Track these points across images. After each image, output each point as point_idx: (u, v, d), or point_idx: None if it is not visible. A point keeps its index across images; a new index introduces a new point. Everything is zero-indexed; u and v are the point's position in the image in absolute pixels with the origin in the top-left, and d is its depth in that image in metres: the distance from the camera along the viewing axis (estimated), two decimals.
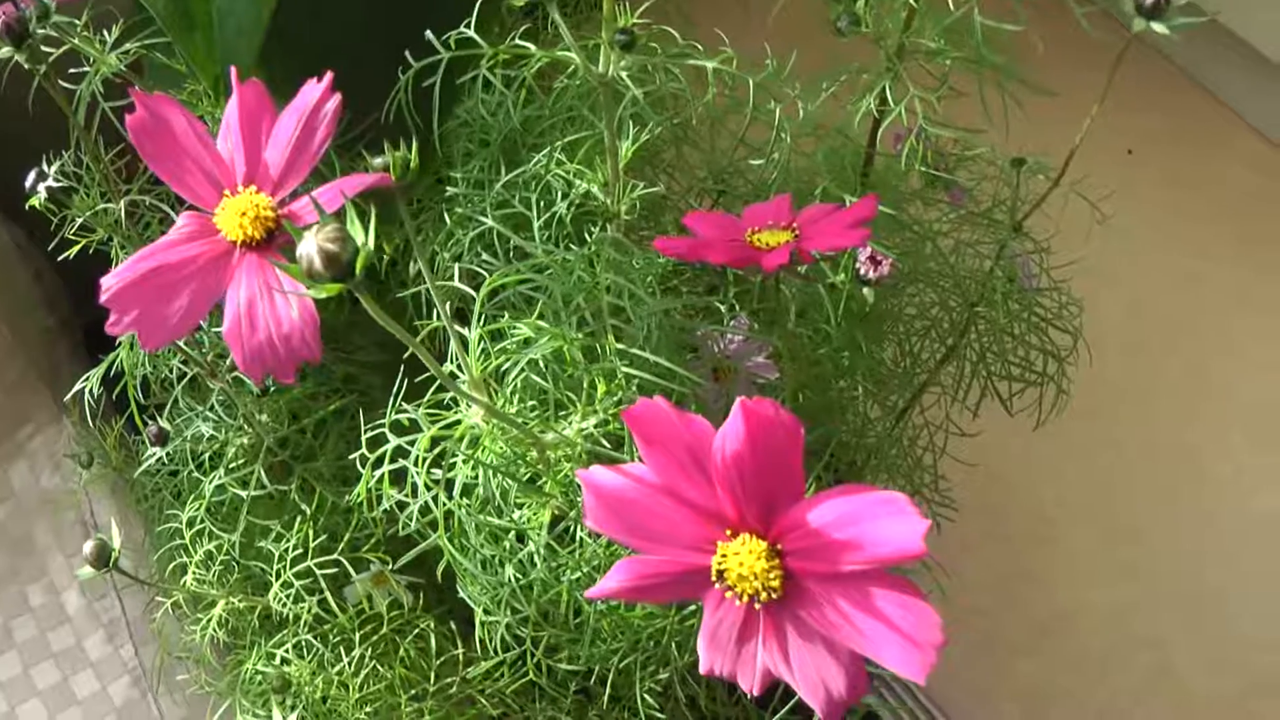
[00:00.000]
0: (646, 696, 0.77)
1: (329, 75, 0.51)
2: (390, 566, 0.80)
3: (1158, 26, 0.63)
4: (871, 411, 0.87)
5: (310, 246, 0.41)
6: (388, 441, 0.63)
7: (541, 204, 0.74)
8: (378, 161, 0.52)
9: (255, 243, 0.50)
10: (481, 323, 0.60)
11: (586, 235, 0.74)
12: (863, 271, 0.71)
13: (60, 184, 0.69)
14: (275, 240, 0.50)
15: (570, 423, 0.61)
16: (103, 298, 0.48)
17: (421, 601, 0.83)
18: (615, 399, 0.60)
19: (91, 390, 0.81)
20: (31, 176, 0.71)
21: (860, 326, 0.79)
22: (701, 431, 0.47)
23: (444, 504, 0.61)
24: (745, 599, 0.48)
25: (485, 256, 0.76)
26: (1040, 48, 0.71)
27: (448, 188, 0.78)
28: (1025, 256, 0.82)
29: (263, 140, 0.52)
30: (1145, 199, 1.57)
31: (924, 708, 1.20)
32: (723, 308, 0.75)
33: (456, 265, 0.68)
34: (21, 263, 1.28)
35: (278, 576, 0.80)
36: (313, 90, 0.52)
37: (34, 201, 0.71)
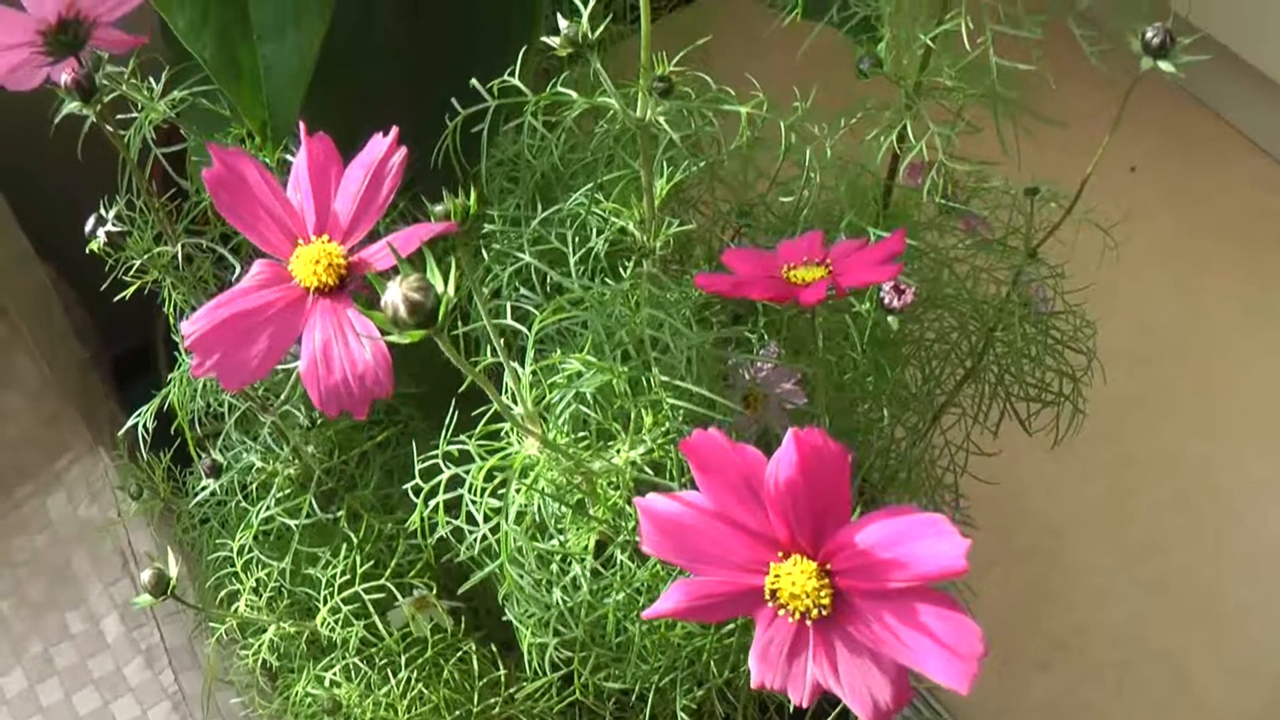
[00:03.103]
0: (683, 715, 0.80)
1: (394, 130, 0.55)
2: (434, 591, 0.83)
3: (1165, 65, 0.66)
4: (895, 432, 0.90)
5: (395, 295, 0.44)
6: (442, 472, 0.66)
7: (577, 240, 0.78)
8: (439, 209, 0.56)
9: (328, 289, 0.53)
10: (532, 358, 0.63)
11: (620, 269, 0.77)
12: (887, 300, 0.74)
13: (119, 229, 0.72)
14: (346, 285, 0.53)
15: (618, 451, 0.64)
16: (186, 342, 0.51)
17: (463, 625, 0.86)
18: (662, 430, 0.63)
19: (144, 424, 0.84)
20: (91, 222, 0.74)
21: (884, 352, 0.82)
22: (754, 460, 0.50)
23: (501, 532, 0.64)
24: (796, 616, 0.51)
25: (523, 291, 0.79)
26: (1053, 84, 0.74)
27: (485, 224, 0.81)
28: (1040, 282, 0.85)
29: (332, 191, 0.55)
30: (1150, 216, 1.60)
31: None
32: (753, 337, 0.78)
33: (506, 304, 0.70)
34: (56, 296, 1.31)
35: (325, 602, 0.83)
36: (379, 144, 0.55)
37: (93, 245, 0.74)
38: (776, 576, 0.51)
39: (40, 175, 1.14)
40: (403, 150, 0.54)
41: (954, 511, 0.98)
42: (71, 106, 0.66)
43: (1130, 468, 1.43)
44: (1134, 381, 1.43)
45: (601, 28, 0.64)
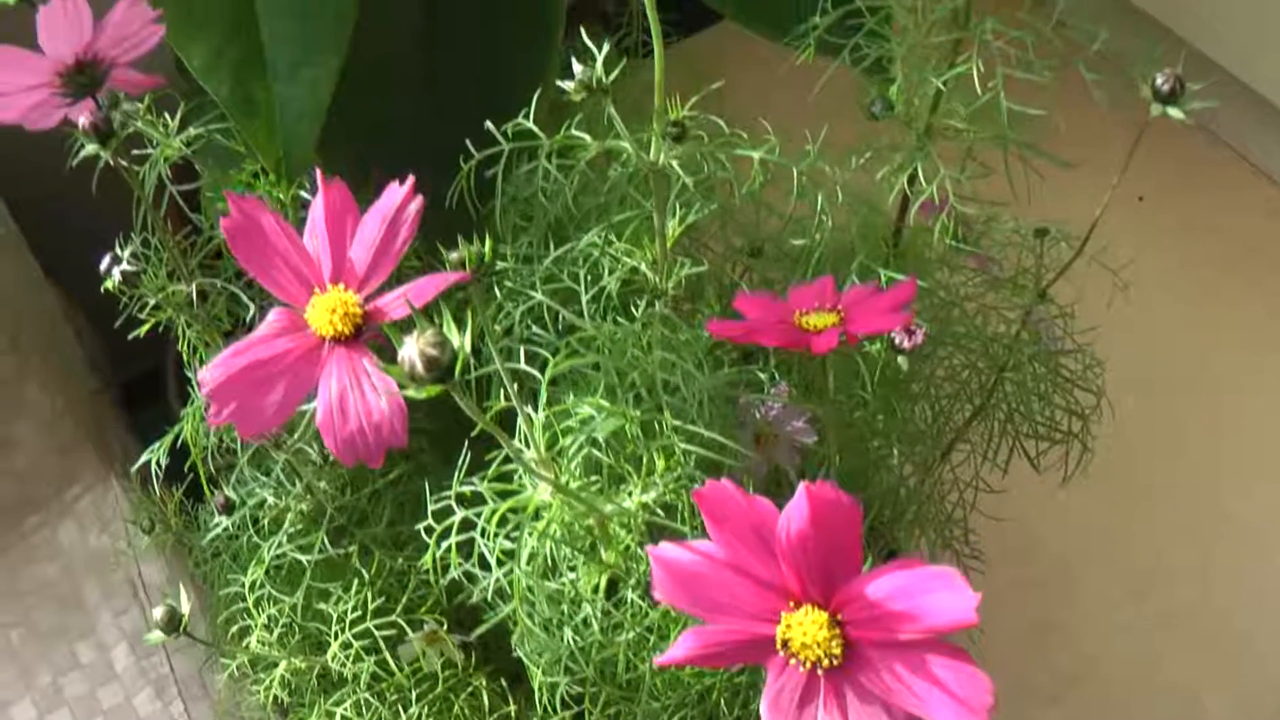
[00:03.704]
0: None
1: (410, 179, 0.55)
2: (444, 626, 0.83)
3: (1174, 112, 0.66)
4: (904, 469, 0.90)
5: (412, 351, 0.45)
6: (454, 513, 0.66)
7: (589, 278, 0.78)
8: (453, 256, 0.56)
9: (344, 337, 0.53)
10: (545, 402, 0.64)
11: (632, 307, 0.77)
12: (897, 341, 0.75)
13: (134, 269, 0.73)
14: (362, 334, 0.53)
15: (629, 495, 0.65)
16: (203, 390, 0.52)
17: (473, 660, 0.86)
18: (674, 475, 0.63)
19: (155, 459, 0.84)
20: (106, 261, 0.74)
21: (894, 391, 0.82)
22: (766, 511, 0.51)
23: (513, 574, 0.64)
24: (808, 666, 0.51)
25: (535, 329, 0.79)
26: (1063, 127, 0.75)
27: (498, 262, 0.81)
28: (1049, 321, 0.85)
29: (348, 239, 0.55)
30: (1158, 245, 1.60)
31: None
32: (764, 376, 0.79)
33: (519, 345, 0.71)
34: (67, 325, 1.31)
35: (336, 637, 0.83)
36: (396, 193, 0.55)
37: (108, 284, 0.74)
38: (788, 626, 0.51)
39: (53, 198, 1.14)
40: (419, 199, 0.55)
41: (963, 546, 0.98)
42: (89, 150, 0.66)
43: (1139, 499, 1.43)
44: (1142, 412, 1.42)
45: (615, 71, 0.65)
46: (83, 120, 0.66)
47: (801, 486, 0.49)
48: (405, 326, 0.52)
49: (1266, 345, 1.56)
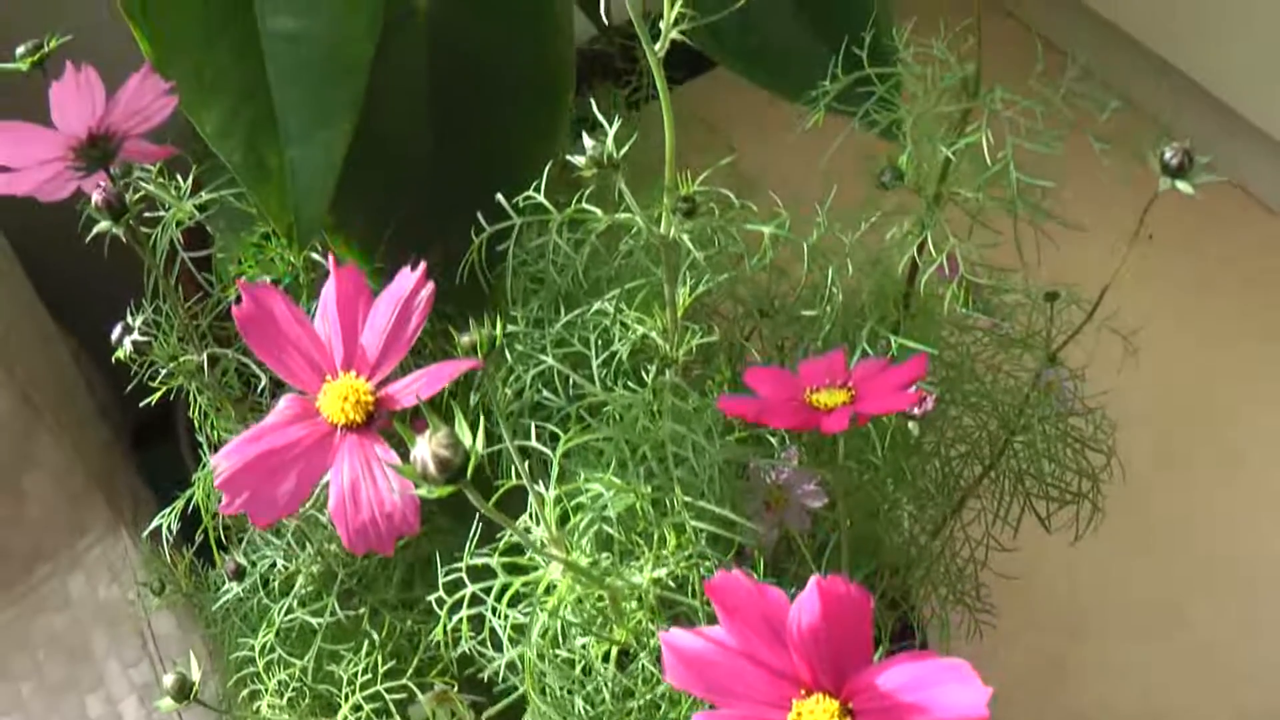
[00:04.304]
0: None
1: (423, 265, 0.55)
2: (455, 688, 0.83)
3: (1183, 186, 0.66)
4: (914, 530, 0.90)
5: (424, 452, 0.45)
6: (465, 585, 0.66)
7: (600, 343, 0.78)
8: (465, 340, 0.56)
9: (356, 425, 0.53)
10: (556, 478, 0.64)
11: (643, 372, 0.77)
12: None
13: (145, 338, 0.73)
14: (374, 422, 0.54)
15: (640, 570, 0.65)
16: (217, 481, 0.52)
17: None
18: (685, 553, 0.63)
19: (165, 518, 0.84)
20: (117, 330, 0.74)
21: (904, 454, 0.82)
22: (777, 601, 0.51)
23: (523, 646, 0.64)
24: None
25: (546, 393, 0.79)
26: (1071, 194, 0.75)
27: (508, 325, 0.82)
28: (1060, 382, 0.85)
29: (359, 325, 0.55)
30: (1167, 281, 1.60)
31: None
32: (774, 440, 0.79)
33: (531, 422, 0.71)
34: (79, 375, 1.32)
35: (347, 699, 0.83)
36: (407, 278, 0.55)
37: (120, 354, 0.75)
38: (799, 714, 0.51)
39: (64, 245, 1.15)
40: (430, 285, 0.55)
41: (974, 600, 0.98)
42: (102, 226, 0.66)
43: (1148, 535, 1.43)
44: (1153, 448, 1.43)
45: (626, 147, 0.65)
46: (95, 197, 0.66)
47: (813, 581, 0.49)
48: (417, 411, 0.52)
49: (1273, 375, 1.56)
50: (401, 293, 0.55)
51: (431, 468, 0.45)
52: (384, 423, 0.54)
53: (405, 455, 0.48)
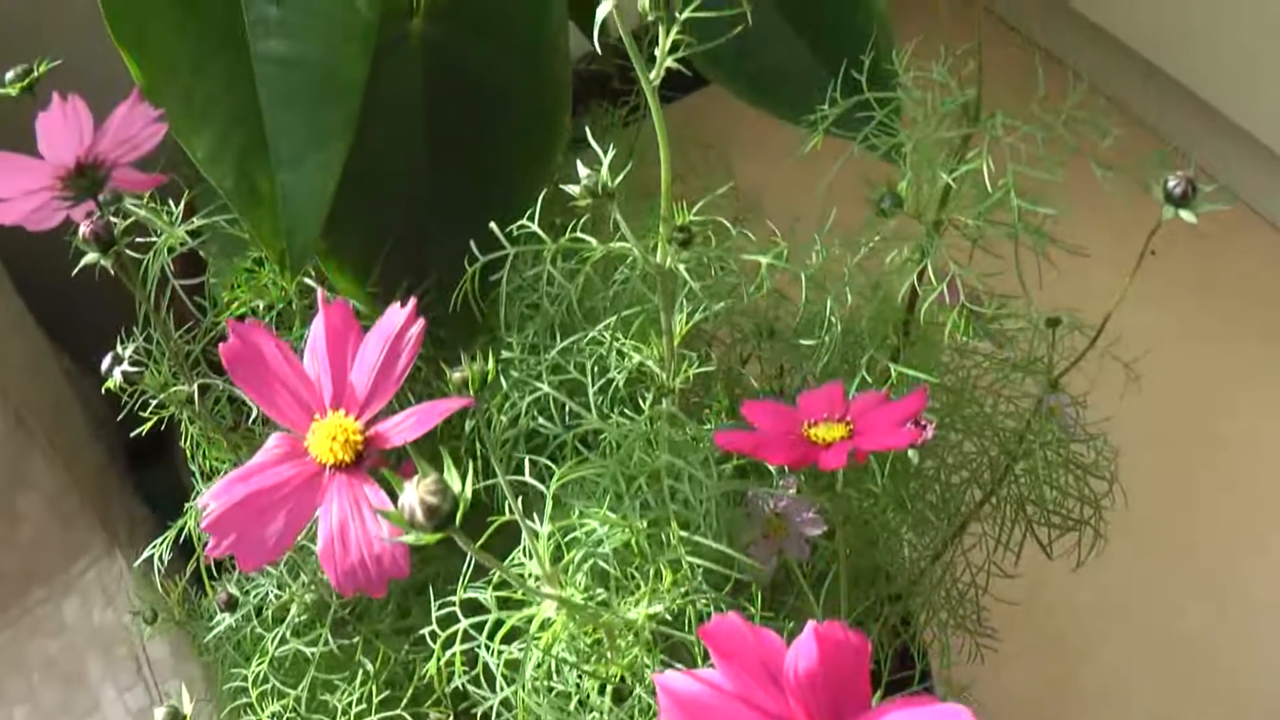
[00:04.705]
0: None
1: (413, 301, 0.54)
2: (449, 718, 0.82)
3: (1186, 215, 0.65)
4: (914, 554, 0.89)
5: (412, 498, 0.44)
6: (458, 619, 0.65)
7: (596, 370, 0.77)
8: (456, 376, 0.55)
9: (345, 465, 0.52)
10: (551, 511, 0.63)
11: (640, 399, 0.76)
12: None
13: (135, 369, 0.72)
14: (364, 461, 0.53)
15: (635, 606, 0.64)
16: (204, 524, 0.51)
17: None
18: (681, 590, 0.62)
19: (156, 548, 0.83)
20: (107, 360, 0.73)
21: (904, 482, 0.81)
22: (773, 646, 0.50)
23: (518, 682, 0.64)
24: None
25: (541, 420, 0.78)
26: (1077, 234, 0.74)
27: (504, 350, 0.81)
28: (1063, 408, 0.84)
29: (348, 362, 0.54)
30: (1170, 298, 1.59)
31: None
32: (772, 468, 0.78)
33: (526, 456, 0.70)
34: (73, 394, 1.31)
35: None
36: (397, 314, 0.54)
37: (110, 384, 0.74)
38: None
39: (57, 263, 1.14)
40: (421, 322, 0.54)
41: (975, 625, 0.97)
42: (89, 258, 0.65)
43: (1153, 556, 1.42)
44: (1155, 468, 1.42)
45: (621, 175, 0.64)
46: (83, 229, 0.65)
47: (810, 626, 0.48)
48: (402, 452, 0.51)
49: (1275, 394, 1.56)
50: (391, 329, 0.54)
51: (419, 515, 0.44)
52: (373, 461, 0.53)
53: (395, 495, 0.47)
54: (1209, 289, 1.65)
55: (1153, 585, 1.42)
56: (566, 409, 0.77)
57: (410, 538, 0.45)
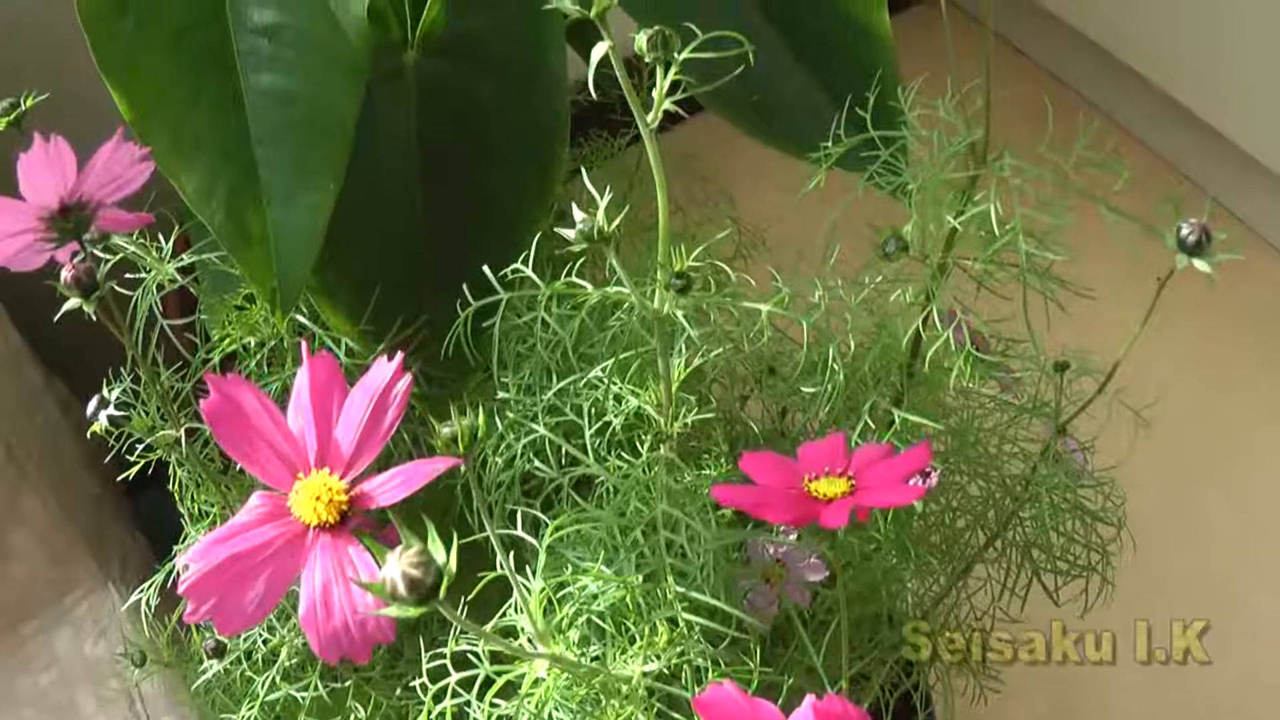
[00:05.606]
0: None
1: (400, 355, 0.53)
2: None
3: (1200, 265, 0.63)
4: (915, 600, 0.88)
5: (394, 571, 0.42)
6: (449, 672, 0.64)
7: (593, 412, 0.75)
8: (445, 432, 0.53)
9: (328, 525, 0.51)
10: (544, 564, 0.61)
11: (637, 442, 0.75)
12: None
13: (122, 415, 0.70)
14: (348, 522, 0.51)
15: (630, 661, 0.62)
16: (182, 588, 0.49)
17: None
18: (678, 649, 0.61)
19: (145, 592, 0.82)
20: (93, 404, 0.72)
21: (907, 529, 0.80)
22: (770, 718, 0.48)
23: None
24: None
25: (537, 463, 0.77)
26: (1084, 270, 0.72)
27: (499, 392, 0.79)
28: (1071, 452, 0.82)
29: (333, 417, 0.53)
30: (1175, 324, 1.57)
31: None
32: None
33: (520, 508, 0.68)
34: (66, 423, 1.29)
35: None
36: (384, 369, 0.53)
37: (95, 428, 0.72)
38: None
39: (52, 289, 1.12)
40: (408, 377, 0.52)
41: (981, 669, 0.95)
42: (71, 304, 0.64)
43: (1156, 582, 1.40)
44: (1160, 497, 1.40)
45: (618, 219, 0.62)
46: (64, 274, 0.63)
47: (808, 701, 0.46)
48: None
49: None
50: (378, 384, 0.53)
51: (401, 588, 0.42)
52: (359, 521, 0.51)
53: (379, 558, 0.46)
54: (1218, 321, 1.63)
55: (1155, 610, 1.40)
56: (563, 451, 0.75)
57: (393, 610, 0.43)
